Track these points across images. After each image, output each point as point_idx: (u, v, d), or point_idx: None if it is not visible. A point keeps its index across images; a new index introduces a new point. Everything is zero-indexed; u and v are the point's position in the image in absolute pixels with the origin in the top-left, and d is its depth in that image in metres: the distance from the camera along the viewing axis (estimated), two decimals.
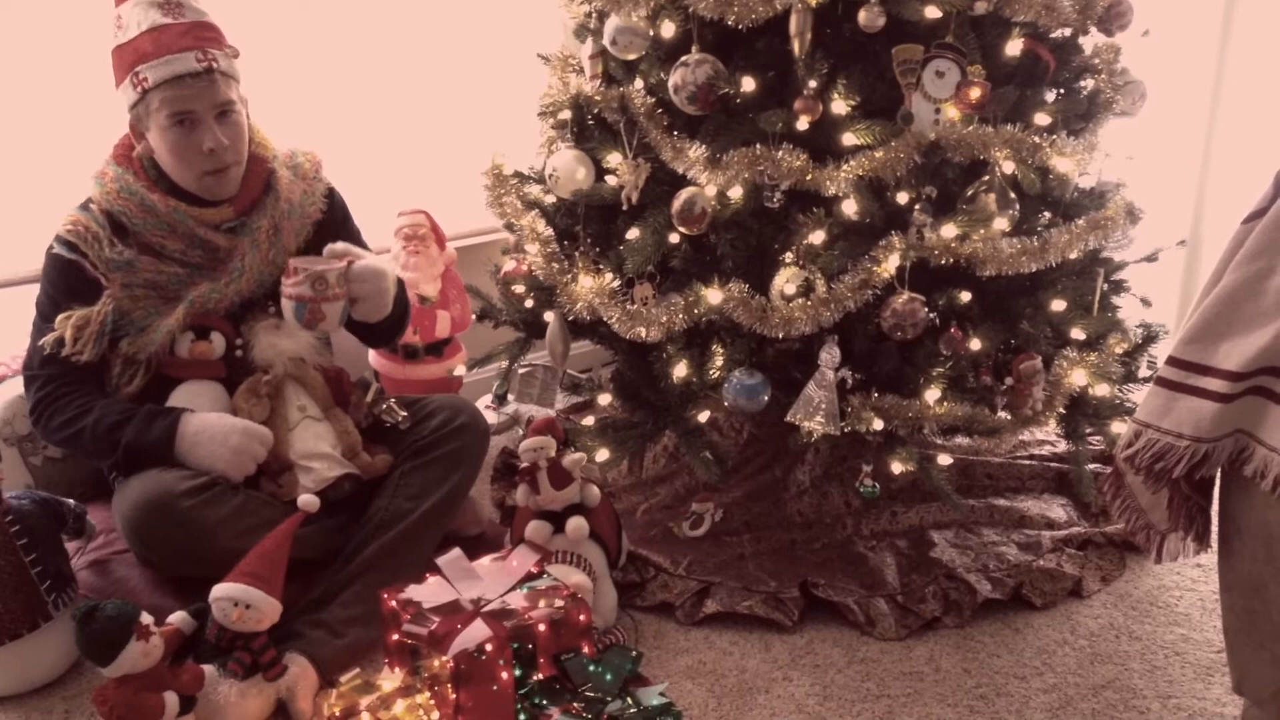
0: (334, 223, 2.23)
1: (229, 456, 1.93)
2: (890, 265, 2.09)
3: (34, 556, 1.84)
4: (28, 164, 2.50)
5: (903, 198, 2.15)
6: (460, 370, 2.86)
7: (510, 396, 2.92)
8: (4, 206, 2.48)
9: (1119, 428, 2.51)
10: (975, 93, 2.10)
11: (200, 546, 1.89)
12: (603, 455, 2.32)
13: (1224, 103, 3.47)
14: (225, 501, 1.93)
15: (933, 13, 2.08)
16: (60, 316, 1.96)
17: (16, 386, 2.27)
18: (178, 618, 1.79)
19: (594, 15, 2.43)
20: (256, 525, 1.93)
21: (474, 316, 2.75)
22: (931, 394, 2.15)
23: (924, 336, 2.16)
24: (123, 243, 2.01)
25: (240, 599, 1.74)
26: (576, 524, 2.09)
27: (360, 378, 2.34)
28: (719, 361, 2.24)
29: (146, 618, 1.64)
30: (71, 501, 2.01)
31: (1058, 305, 2.32)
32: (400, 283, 2.21)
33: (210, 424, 1.94)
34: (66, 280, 1.99)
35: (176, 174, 2.03)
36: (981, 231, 2.13)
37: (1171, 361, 1.44)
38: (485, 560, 2.00)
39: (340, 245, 2.05)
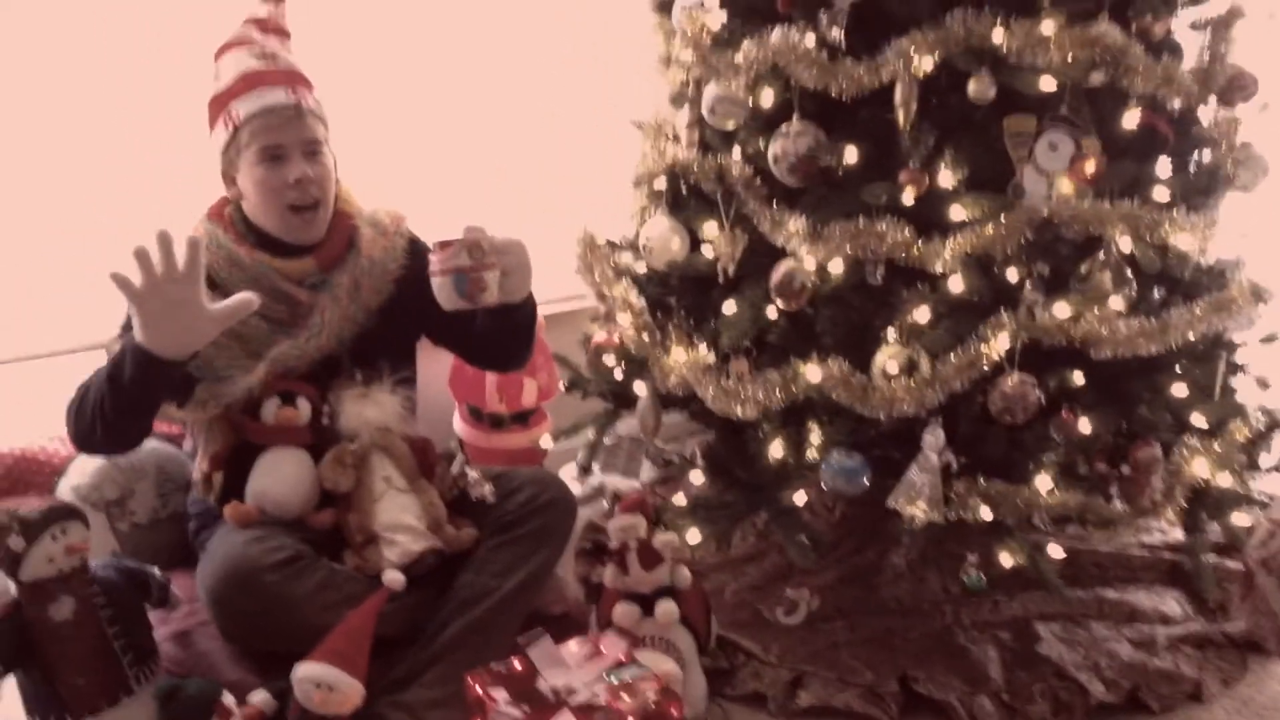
0: (416, 277, 2.19)
1: (146, 330, 1.76)
2: (999, 345, 2.01)
3: (117, 629, 1.81)
4: (126, 226, 2.52)
5: (1012, 274, 2.07)
6: (546, 440, 2.81)
7: (595, 468, 2.86)
8: (96, 271, 2.48)
9: (1241, 519, 2.38)
10: (1090, 166, 2.02)
11: (284, 621, 1.85)
12: (693, 535, 2.25)
13: None
14: (310, 575, 1.89)
15: (1047, 84, 2.01)
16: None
17: None
18: (259, 698, 1.74)
19: (691, 83, 2.39)
20: (341, 600, 1.88)
21: (562, 386, 2.70)
22: (1042, 481, 2.05)
23: (1034, 420, 2.07)
24: (211, 293, 2.01)
25: (323, 680, 1.69)
26: (667, 609, 2.01)
27: (445, 448, 2.29)
28: (816, 441, 2.17)
29: (228, 698, 1.60)
30: (156, 571, 1.98)
31: (1178, 390, 2.21)
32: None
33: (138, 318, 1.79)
34: None
35: (262, 213, 2.04)
36: (1096, 311, 2.04)
37: None
38: (572, 645, 1.93)
39: (475, 225, 1.99)
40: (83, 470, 2.26)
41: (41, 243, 2.46)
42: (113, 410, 1.83)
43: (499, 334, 2.09)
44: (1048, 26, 1.97)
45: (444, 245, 1.86)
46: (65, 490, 2.24)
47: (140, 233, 2.44)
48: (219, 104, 2.02)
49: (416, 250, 2.18)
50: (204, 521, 2.11)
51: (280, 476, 1.98)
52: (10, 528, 1.72)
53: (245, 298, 1.79)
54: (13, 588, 1.76)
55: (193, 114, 2.36)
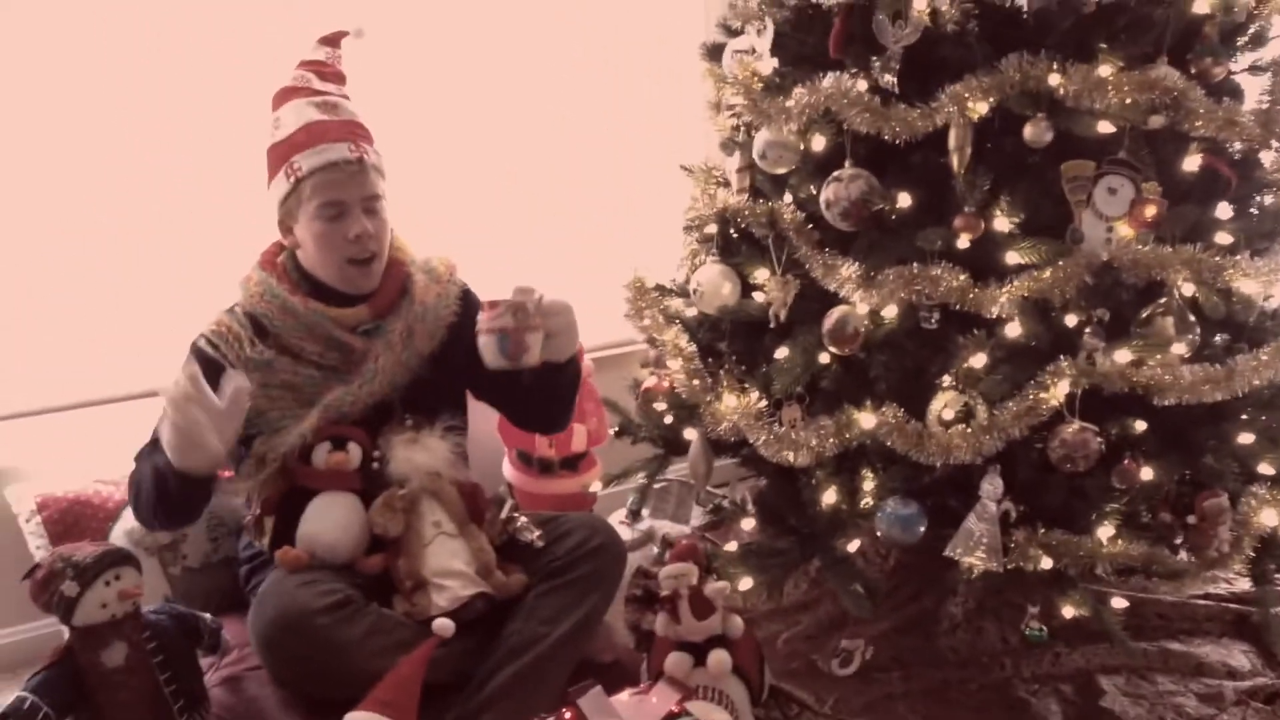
0: (468, 324, 2.20)
1: (176, 451, 1.80)
2: (1059, 392, 1.97)
3: (169, 674, 1.81)
4: (179, 274, 2.56)
5: (1071, 320, 2.03)
6: (596, 486, 2.79)
7: (645, 512, 2.84)
8: (150, 318, 2.55)
9: None
10: (1150, 210, 1.98)
11: (333, 667, 1.84)
12: (745, 583, 2.21)
13: None
14: (360, 620, 1.88)
15: (1105, 127, 1.98)
16: None
17: None
18: None
19: (742, 128, 2.39)
20: (390, 646, 1.87)
21: (612, 431, 2.69)
22: (1104, 531, 2.00)
23: (1095, 468, 2.02)
24: (263, 343, 2.02)
25: None
26: (719, 659, 1.98)
27: (495, 494, 2.28)
28: (870, 488, 2.13)
29: None
30: (208, 616, 1.98)
31: (1244, 437, 2.15)
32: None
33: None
34: (205, 372, 1.99)
35: (320, 264, 2.05)
36: (1158, 357, 1.99)
37: None
38: (624, 696, 1.90)
39: (524, 283, 2.00)
40: None
41: (92, 292, 2.51)
42: (164, 507, 1.91)
43: (542, 394, 2.11)
44: (1105, 70, 1.94)
45: (492, 305, 1.88)
46: (119, 534, 2.26)
47: (192, 282, 2.51)
48: (280, 155, 2.02)
49: (469, 300, 2.20)
50: (255, 566, 2.11)
51: (331, 521, 1.98)
52: (64, 573, 1.74)
53: (241, 387, 1.82)
54: (66, 633, 1.77)
55: (234, 161, 2.40)
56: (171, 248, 2.56)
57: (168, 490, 1.85)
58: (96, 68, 2.43)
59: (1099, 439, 1.98)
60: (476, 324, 1.91)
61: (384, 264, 2.10)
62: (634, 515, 2.87)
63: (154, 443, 1.93)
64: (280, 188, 2.02)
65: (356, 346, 2.07)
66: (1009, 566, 2.01)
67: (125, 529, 2.27)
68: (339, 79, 2.08)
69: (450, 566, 2.02)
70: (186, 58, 2.50)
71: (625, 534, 2.75)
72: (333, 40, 2.08)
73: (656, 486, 2.74)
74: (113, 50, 2.43)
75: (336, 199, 1.99)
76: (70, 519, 2.28)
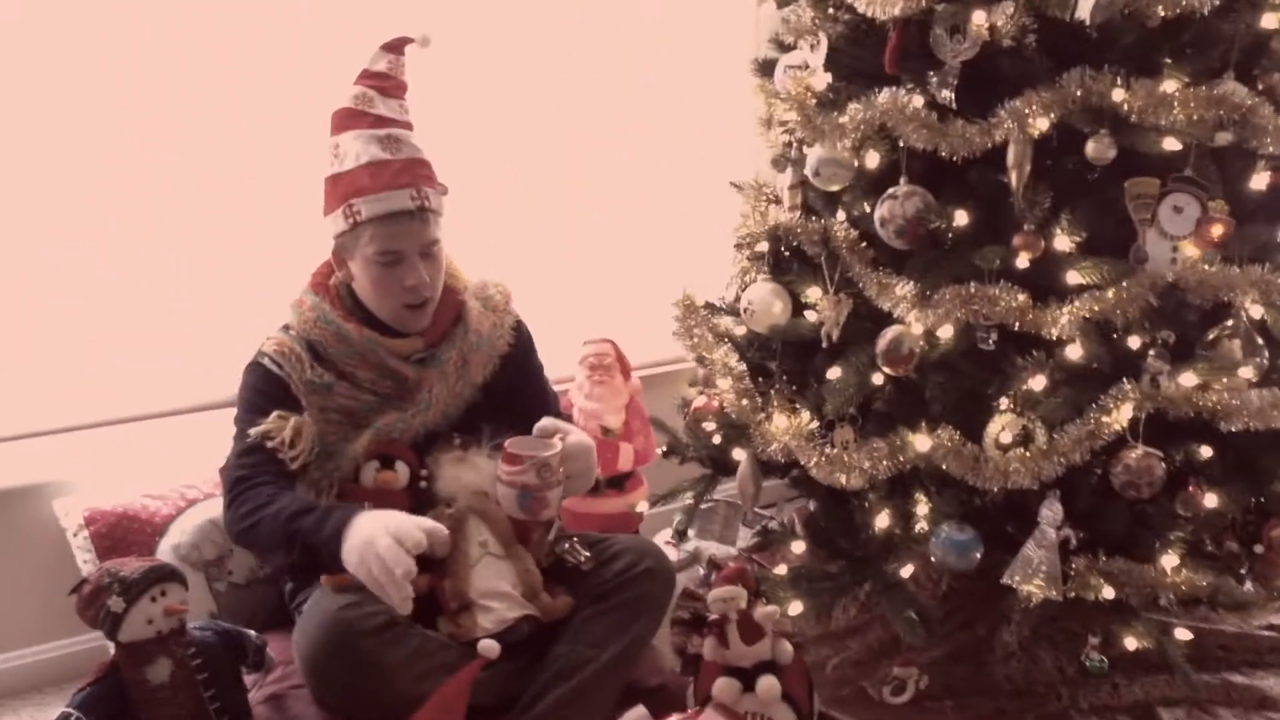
0: (519, 356, 2.20)
1: (367, 573, 1.76)
2: (1122, 416, 1.92)
3: (213, 692, 1.79)
4: (226, 290, 2.56)
5: (1134, 342, 1.99)
6: (642, 506, 2.76)
7: (691, 533, 2.81)
8: (198, 333, 2.56)
9: None
10: (1217, 230, 1.94)
11: (378, 689, 1.82)
12: (795, 608, 2.17)
13: None
14: (405, 642, 1.86)
15: (1170, 144, 1.94)
16: (276, 414, 1.95)
17: (206, 510, 2.28)
18: None
19: (794, 145, 2.36)
20: (434, 668, 1.84)
21: (659, 451, 2.66)
22: (1168, 560, 1.96)
23: (1159, 495, 1.97)
24: (321, 367, 2.01)
25: None
26: (768, 685, 1.93)
27: None
28: (924, 512, 2.08)
29: None
30: (253, 634, 1.96)
31: None
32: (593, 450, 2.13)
33: (365, 527, 1.80)
34: (273, 390, 2.00)
35: (375, 305, 2.04)
36: (1225, 381, 1.94)
37: None
38: None
39: (549, 422, 2.00)
40: (183, 529, 2.28)
41: (142, 307, 2.52)
42: (284, 558, 1.91)
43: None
44: (1170, 85, 1.90)
45: (514, 458, 1.87)
46: (165, 549, 2.25)
47: (242, 299, 2.52)
48: (340, 191, 1.98)
49: (521, 332, 2.20)
50: (300, 584, 2.10)
51: None
52: (111, 588, 1.72)
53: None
54: (111, 648, 1.76)
55: (284, 180, 2.40)
56: (224, 264, 2.57)
57: (306, 561, 1.87)
58: (156, 86, 2.44)
59: (1163, 465, 1.93)
60: (498, 471, 1.90)
61: (438, 302, 2.08)
62: (680, 536, 2.84)
63: (247, 451, 1.95)
64: (338, 224, 1.99)
65: (410, 376, 2.05)
66: (1069, 595, 1.96)
67: (172, 544, 2.27)
68: (401, 91, 2.02)
69: (496, 588, 2.00)
70: (240, 75, 2.51)
71: (671, 554, 2.72)
72: (396, 47, 2.01)
73: (703, 507, 2.71)
74: (168, 68, 2.44)
75: (395, 248, 1.97)
76: (118, 533, 2.28)
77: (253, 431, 1.96)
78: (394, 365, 2.04)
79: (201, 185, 2.52)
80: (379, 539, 1.75)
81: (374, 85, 1.99)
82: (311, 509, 1.90)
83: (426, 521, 1.82)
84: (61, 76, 2.35)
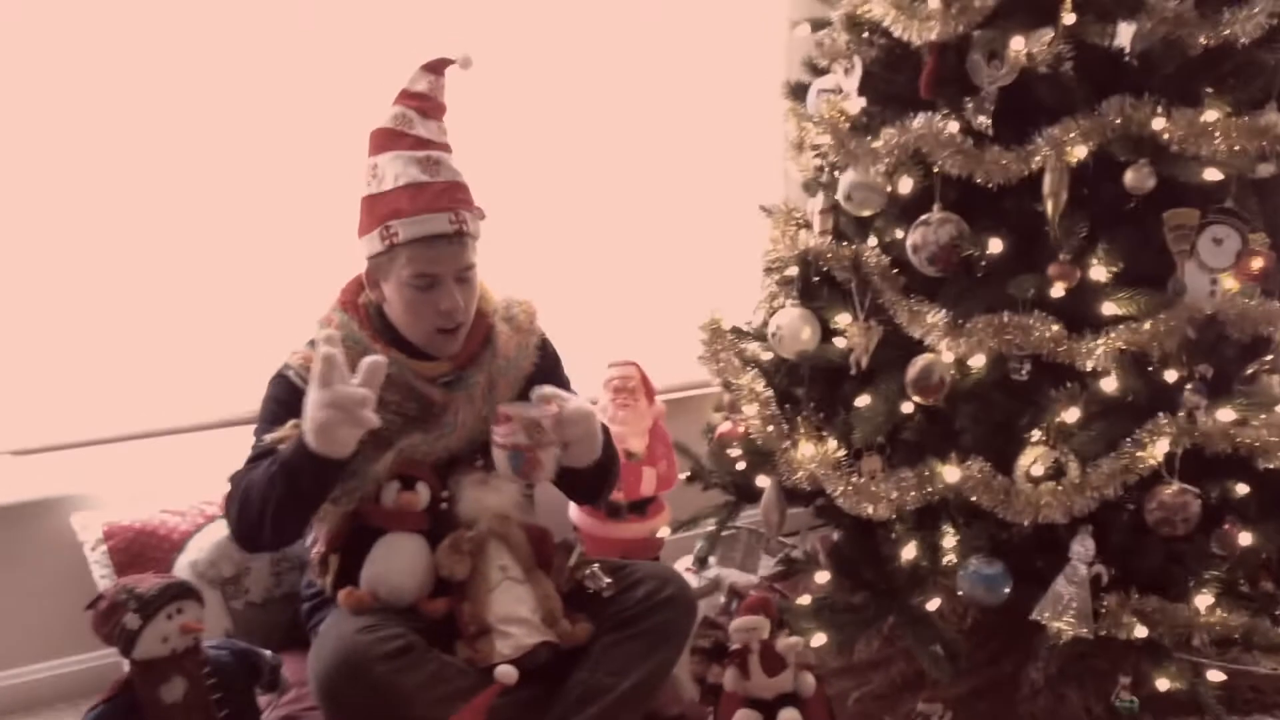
0: (544, 374, 2.17)
1: (323, 434, 1.76)
2: (1157, 451, 1.88)
3: (227, 713, 1.77)
4: (251, 305, 2.55)
5: (1171, 375, 1.95)
6: (664, 531, 2.73)
7: (712, 560, 2.77)
8: (221, 348, 2.55)
9: None
10: (1258, 262, 1.92)
11: (393, 713, 1.79)
12: (818, 639, 2.14)
13: None
14: (421, 667, 1.83)
15: (1211, 175, 1.90)
16: (291, 423, 1.91)
17: (225, 527, 2.24)
18: None
19: (826, 169, 2.34)
20: (451, 694, 1.82)
21: (682, 476, 2.63)
22: (1203, 599, 1.91)
23: (1194, 532, 1.92)
24: None
25: None
26: (790, 718, 1.91)
27: (563, 539, 2.23)
28: (952, 545, 2.05)
29: None
30: (269, 653, 1.95)
31: None
32: (607, 431, 2.11)
33: (308, 415, 1.79)
34: (294, 401, 1.94)
35: (406, 328, 2.01)
36: (1263, 417, 1.91)
37: None
38: None
39: (548, 388, 1.98)
40: (200, 546, 2.27)
41: (164, 321, 2.51)
42: (281, 511, 1.85)
43: (579, 483, 2.09)
44: (1212, 114, 1.87)
45: (506, 418, 1.87)
46: (183, 566, 2.24)
47: (259, 314, 2.51)
48: (377, 212, 1.96)
49: (546, 351, 2.18)
50: (317, 604, 2.08)
51: (397, 563, 1.94)
52: (127, 604, 1.71)
53: (378, 363, 1.78)
54: (126, 665, 1.74)
55: (305, 196, 2.40)
56: (250, 279, 2.56)
57: (297, 487, 1.81)
58: (188, 105, 2.44)
59: (1199, 501, 1.89)
60: (491, 433, 1.90)
61: (469, 328, 2.06)
62: (701, 563, 2.81)
63: (257, 457, 1.91)
64: (373, 245, 1.96)
65: (437, 400, 2.03)
66: (1099, 633, 1.92)
67: (190, 560, 2.25)
68: (441, 112, 2.00)
69: (515, 613, 1.97)
70: (268, 92, 2.51)
71: (691, 581, 2.68)
72: (436, 68, 1.99)
73: (725, 534, 2.67)
74: (199, 87, 2.44)
75: (431, 272, 1.94)
76: (136, 549, 2.26)
77: (266, 437, 1.94)
78: (421, 388, 2.01)
79: (226, 201, 2.51)
80: (318, 406, 1.74)
81: (414, 106, 1.97)
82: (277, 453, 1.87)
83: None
84: (96, 97, 2.35)
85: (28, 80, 2.30)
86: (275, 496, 1.83)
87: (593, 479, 2.09)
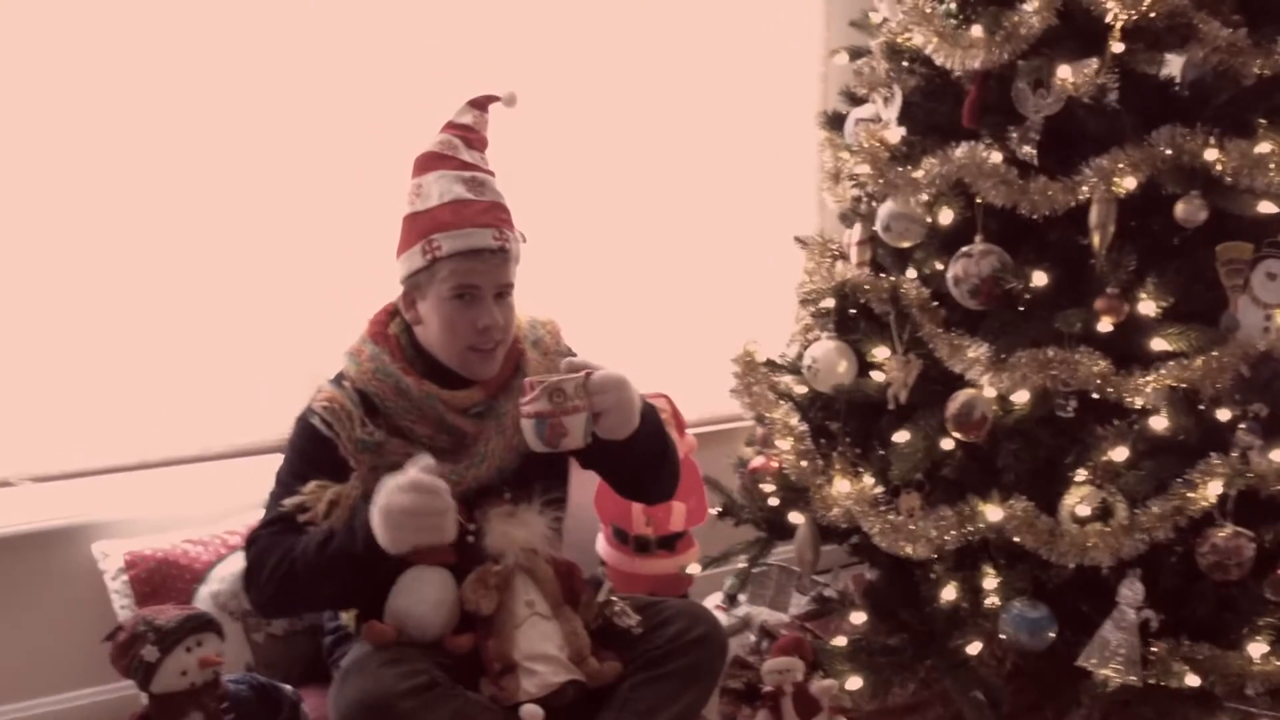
0: None
1: (410, 522, 1.75)
2: (1210, 492, 1.83)
3: None
4: (277, 333, 2.53)
5: (1224, 414, 1.89)
6: (694, 568, 2.68)
7: (742, 598, 2.72)
8: (246, 377, 2.52)
9: None
10: None
11: None
12: (854, 682, 2.08)
13: None
14: (444, 705, 1.79)
15: (1266, 207, 1.86)
16: (314, 484, 1.91)
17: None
18: None
19: (864, 199, 2.30)
20: None
21: (713, 512, 2.58)
22: (1256, 647, 1.85)
23: (1247, 577, 1.86)
24: (373, 423, 1.96)
25: None
26: None
27: (592, 575, 2.19)
28: (993, 586, 1.99)
29: None
30: (289, 688, 1.92)
31: None
32: (655, 412, 2.06)
33: (378, 504, 1.78)
34: (318, 452, 1.95)
35: (441, 346, 1.99)
36: None
37: None
38: None
39: (577, 360, 1.94)
40: (222, 577, 2.24)
41: (188, 349, 2.48)
42: (337, 597, 1.90)
43: (628, 467, 2.05)
44: (1266, 146, 1.83)
45: (530, 385, 1.84)
46: (204, 597, 2.21)
47: (285, 342, 2.49)
48: (420, 228, 1.95)
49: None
50: (340, 638, 2.04)
51: (421, 597, 1.90)
52: (146, 636, 1.70)
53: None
54: (143, 698, 1.71)
55: (336, 221, 2.37)
56: (275, 308, 2.53)
57: (345, 575, 1.82)
58: (216, 127, 2.43)
59: (1253, 545, 1.83)
60: (518, 407, 1.86)
61: (506, 349, 2.04)
62: (731, 600, 2.75)
63: (277, 519, 1.90)
64: (414, 261, 1.95)
65: (468, 430, 2.00)
66: (1148, 681, 1.86)
67: (211, 591, 2.22)
68: (484, 145, 2.02)
69: (542, 650, 1.93)
70: (296, 118, 2.49)
71: (721, 619, 2.63)
72: (481, 104, 2.02)
73: (756, 571, 2.62)
74: (226, 109, 2.43)
75: (472, 284, 1.93)
76: (158, 579, 2.23)
77: (287, 503, 1.91)
78: (452, 420, 1.98)
79: (255, 229, 2.50)
80: (392, 496, 1.74)
81: (459, 134, 1.99)
82: (332, 532, 1.85)
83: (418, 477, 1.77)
84: (123, 116, 2.35)
85: (77, 108, 2.30)
86: (328, 581, 1.84)
87: (639, 463, 2.04)
